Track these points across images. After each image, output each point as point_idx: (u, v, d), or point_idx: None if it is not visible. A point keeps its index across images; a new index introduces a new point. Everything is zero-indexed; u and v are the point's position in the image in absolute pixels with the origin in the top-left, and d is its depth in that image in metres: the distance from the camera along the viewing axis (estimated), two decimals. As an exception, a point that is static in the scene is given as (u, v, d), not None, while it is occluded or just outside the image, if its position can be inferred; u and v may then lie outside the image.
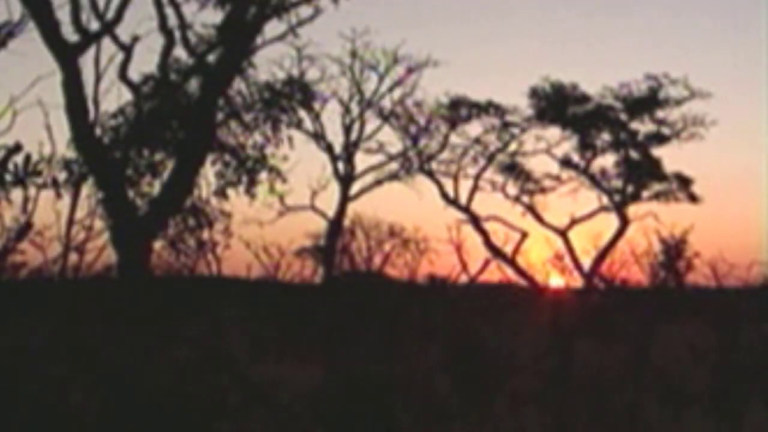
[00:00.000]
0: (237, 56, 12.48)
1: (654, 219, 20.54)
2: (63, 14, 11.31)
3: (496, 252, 21.47)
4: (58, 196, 11.31)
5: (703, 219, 21.68)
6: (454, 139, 22.04)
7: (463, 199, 21.89)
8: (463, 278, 20.87)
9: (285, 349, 14.82)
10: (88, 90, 11.55)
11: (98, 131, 11.96)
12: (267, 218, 19.84)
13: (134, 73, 12.32)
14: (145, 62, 12.57)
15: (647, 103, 21.03)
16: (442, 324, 15.96)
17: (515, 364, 13.88)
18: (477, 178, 22.03)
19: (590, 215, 21.91)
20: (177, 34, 12.47)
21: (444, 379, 13.19)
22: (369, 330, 14.38)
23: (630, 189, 21.60)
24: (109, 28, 11.68)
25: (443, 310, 17.37)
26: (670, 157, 21.61)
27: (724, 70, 27.43)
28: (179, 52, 12.74)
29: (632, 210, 21.54)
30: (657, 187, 21.67)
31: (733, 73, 27.12)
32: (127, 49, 11.93)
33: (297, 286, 19.95)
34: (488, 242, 21.47)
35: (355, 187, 21.84)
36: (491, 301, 19.17)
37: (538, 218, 21.96)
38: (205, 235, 13.18)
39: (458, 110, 21.77)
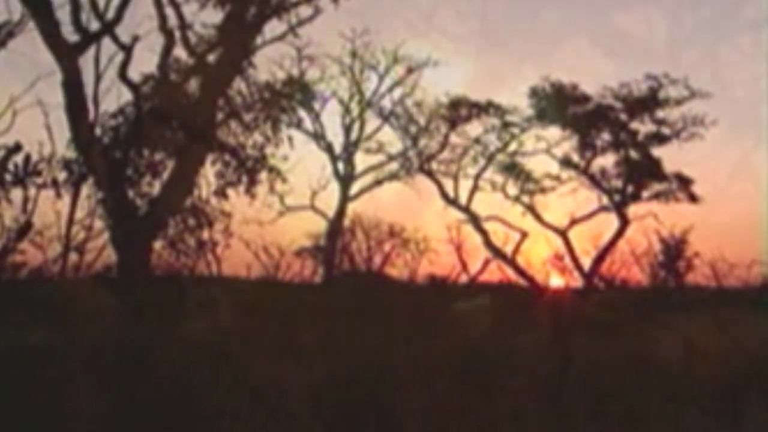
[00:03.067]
0: (237, 56, 12.49)
1: (654, 219, 20.54)
2: (63, 14, 11.33)
3: (496, 252, 21.47)
4: (58, 196, 11.33)
5: (703, 219, 21.68)
6: (454, 139, 22.03)
7: (463, 199, 21.89)
8: (463, 278, 20.89)
9: (285, 349, 14.84)
10: (88, 90, 11.56)
11: (98, 131, 11.96)
12: (267, 218, 19.86)
13: (134, 73, 12.34)
14: (145, 62, 12.58)
15: (647, 103, 21.03)
16: (442, 323, 15.96)
17: (515, 364, 13.88)
18: (477, 178, 22.01)
19: (590, 215, 21.91)
20: (177, 34, 12.48)
21: (444, 379, 13.18)
22: (369, 330, 14.37)
23: (630, 189, 21.59)
24: (109, 28, 11.68)
25: (443, 309, 17.39)
26: (670, 157, 21.61)
27: (724, 70, 27.37)
28: (179, 52, 12.74)
29: (632, 210, 21.53)
30: (657, 187, 21.65)
31: (733, 73, 27.06)
32: (127, 49, 11.93)
33: (297, 285, 19.97)
34: (488, 242, 21.47)
35: (355, 187, 21.86)
36: (491, 301, 19.17)
37: (538, 218, 21.96)
38: (205, 235, 13.20)
39: (458, 110, 21.76)
